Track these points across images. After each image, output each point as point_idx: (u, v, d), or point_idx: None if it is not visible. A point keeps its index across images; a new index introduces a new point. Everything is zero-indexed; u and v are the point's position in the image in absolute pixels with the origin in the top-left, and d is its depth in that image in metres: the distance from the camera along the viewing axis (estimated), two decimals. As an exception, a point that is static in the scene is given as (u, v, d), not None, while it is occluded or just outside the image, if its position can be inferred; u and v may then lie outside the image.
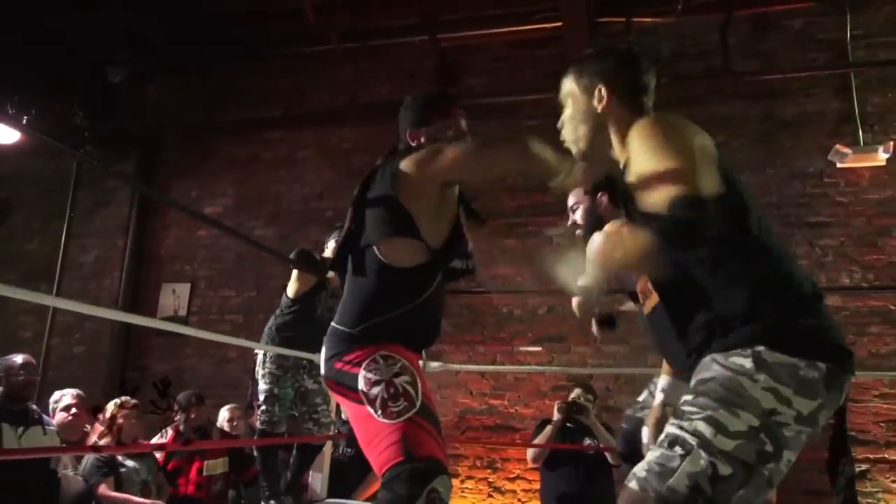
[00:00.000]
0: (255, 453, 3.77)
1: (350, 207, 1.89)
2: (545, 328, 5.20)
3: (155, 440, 4.14)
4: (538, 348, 5.17)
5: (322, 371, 1.80)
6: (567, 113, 1.55)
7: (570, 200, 2.47)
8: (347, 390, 1.70)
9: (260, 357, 3.76)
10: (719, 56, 5.21)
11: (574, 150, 1.54)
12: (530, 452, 4.19)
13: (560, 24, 5.20)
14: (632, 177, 1.27)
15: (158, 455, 3.99)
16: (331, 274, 3.69)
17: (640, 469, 1.13)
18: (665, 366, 1.56)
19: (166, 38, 6.21)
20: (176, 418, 4.12)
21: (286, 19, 5.98)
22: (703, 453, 1.08)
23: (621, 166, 1.46)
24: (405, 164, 1.79)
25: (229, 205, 6.35)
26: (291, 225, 6.09)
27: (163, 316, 6.08)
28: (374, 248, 1.77)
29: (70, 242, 6.62)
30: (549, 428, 4.06)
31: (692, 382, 1.20)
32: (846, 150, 4.71)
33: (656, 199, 1.16)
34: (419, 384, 1.67)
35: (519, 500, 4.94)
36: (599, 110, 1.47)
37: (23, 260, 6.67)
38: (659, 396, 1.51)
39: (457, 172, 1.80)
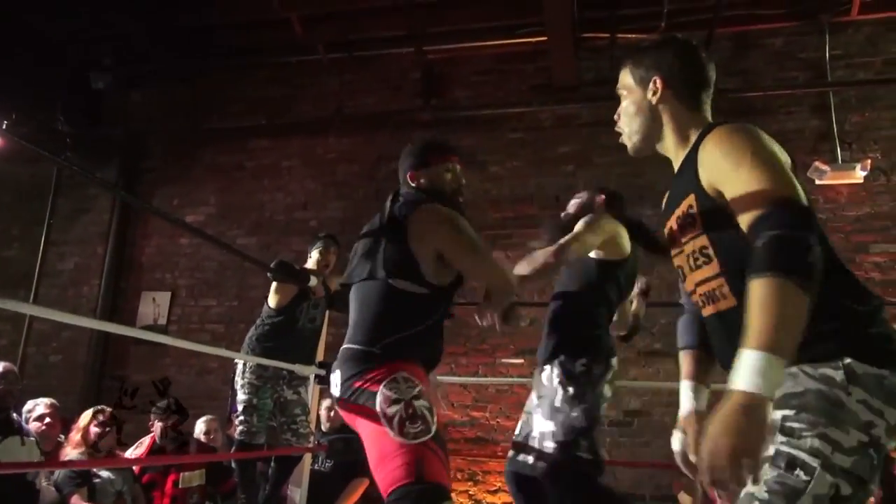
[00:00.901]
0: (234, 465, 3.72)
1: (361, 239, 1.98)
2: (527, 340, 5.20)
3: (131, 450, 4.08)
4: (520, 360, 5.17)
5: (336, 392, 1.82)
6: (622, 105, 1.51)
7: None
8: (363, 407, 1.72)
9: (239, 367, 3.73)
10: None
11: (629, 143, 1.50)
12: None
13: (545, 38, 5.26)
14: (722, 186, 1.22)
15: (134, 466, 3.93)
16: (313, 282, 3.68)
17: (758, 490, 1.06)
18: (687, 370, 1.52)
19: (151, 45, 6.19)
20: (152, 429, 4.06)
21: (273, 29, 5.99)
22: (826, 474, 1.04)
23: (676, 166, 1.44)
24: (413, 218, 1.86)
25: (212, 213, 6.32)
26: (274, 234, 6.07)
27: (142, 325, 6.02)
28: (383, 276, 1.84)
29: (49, 249, 6.54)
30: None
31: (779, 394, 1.12)
32: (825, 167, 4.78)
33: (760, 209, 1.12)
34: (435, 411, 1.73)
35: (499, 513, 4.92)
36: (654, 102, 1.44)
37: (0, 266, 6.58)
38: (690, 404, 1.46)
39: (447, 253, 1.86)
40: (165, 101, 6.68)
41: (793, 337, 1.03)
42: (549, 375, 2.38)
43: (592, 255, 2.47)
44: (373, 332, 1.80)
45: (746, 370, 1.01)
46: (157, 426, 4.04)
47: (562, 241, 2.27)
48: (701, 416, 1.45)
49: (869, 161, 4.83)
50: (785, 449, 1.08)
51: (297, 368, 3.69)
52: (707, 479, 1.02)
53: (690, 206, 1.32)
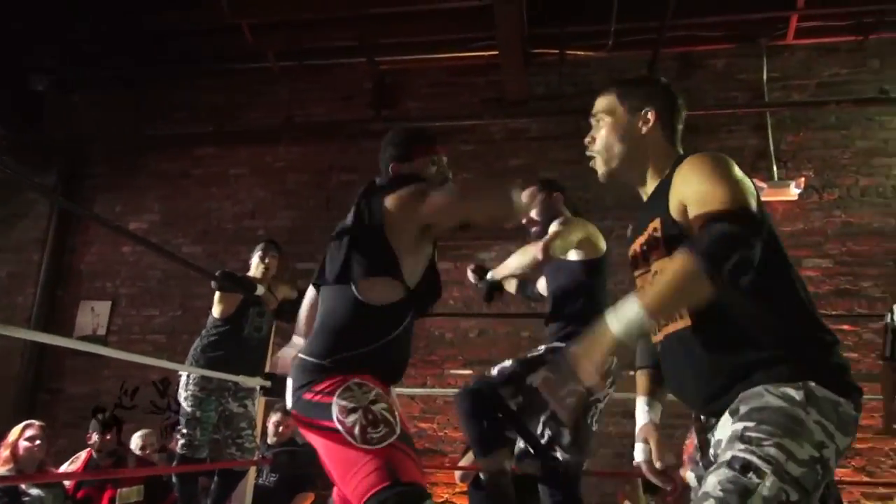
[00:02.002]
0: (174, 480, 3.61)
1: (330, 242, 1.88)
2: (476, 351, 5.23)
3: (66, 466, 3.92)
4: (469, 371, 5.18)
5: (288, 403, 1.75)
6: (602, 130, 1.52)
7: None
8: (318, 420, 1.65)
9: (183, 379, 3.65)
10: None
11: (603, 168, 1.53)
12: (458, 473, 4.20)
13: (496, 52, 5.33)
14: (687, 202, 1.30)
15: (68, 483, 3.77)
16: (260, 291, 3.63)
17: (713, 489, 1.13)
18: (642, 388, 1.59)
19: (96, 48, 6.03)
20: (89, 442, 3.92)
21: (222, 35, 5.90)
22: (777, 480, 1.10)
23: (646, 193, 1.50)
24: (390, 203, 1.77)
25: (156, 221, 6.16)
26: (221, 243, 5.96)
27: (80, 335, 5.81)
28: (352, 285, 1.75)
29: (-19, 256, 6.27)
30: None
31: (743, 409, 1.21)
32: (762, 184, 4.96)
33: (710, 213, 1.20)
34: (395, 411, 1.67)
35: (447, 524, 4.91)
36: (643, 132, 1.48)
37: (-73, 274, 6.27)
38: (646, 417, 1.53)
39: (439, 217, 1.79)
40: (109, 105, 6.51)
41: (673, 309, 1.22)
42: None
43: (574, 256, 2.53)
44: (328, 345, 1.73)
45: (620, 314, 1.20)
46: (95, 439, 3.90)
47: (546, 238, 2.41)
48: (657, 427, 1.53)
49: (803, 179, 5.05)
50: (741, 454, 1.14)
51: (241, 380, 3.62)
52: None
53: (655, 230, 1.38)
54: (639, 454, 1.52)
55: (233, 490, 3.72)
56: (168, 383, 3.87)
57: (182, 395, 3.61)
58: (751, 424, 1.17)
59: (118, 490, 3.77)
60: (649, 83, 1.56)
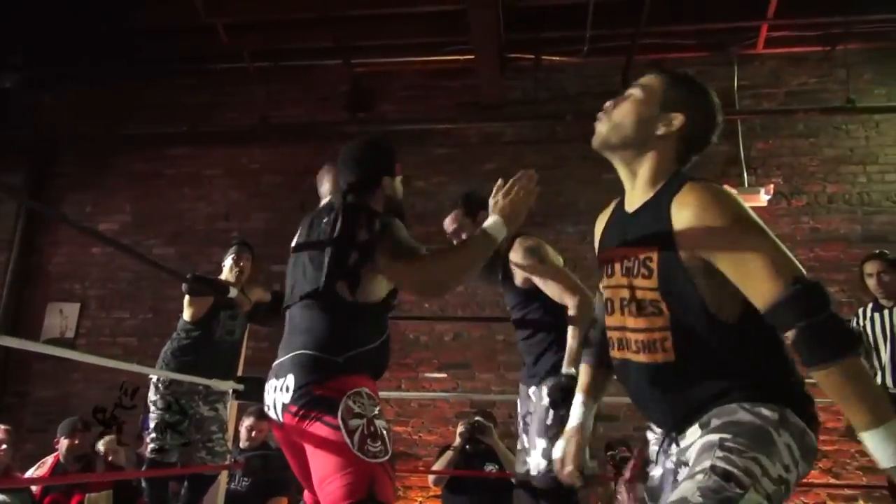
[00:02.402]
0: (143, 485, 3.55)
1: (306, 250, 1.91)
2: (450, 355, 5.25)
3: (32, 471, 3.85)
4: (443, 375, 5.20)
5: (288, 399, 1.71)
6: (626, 102, 1.41)
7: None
8: (322, 415, 1.64)
9: (153, 382, 3.60)
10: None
11: (602, 130, 1.42)
12: (431, 477, 4.21)
13: (472, 57, 5.35)
14: (717, 255, 1.24)
15: (35, 488, 3.71)
16: (233, 293, 3.60)
17: (691, 495, 1.11)
18: (583, 383, 1.59)
19: (66, 45, 5.93)
20: (57, 447, 3.85)
21: (197, 35, 5.84)
22: (756, 495, 1.10)
23: (629, 204, 1.42)
24: (383, 248, 1.78)
25: (127, 222, 6.08)
26: (194, 245, 5.89)
27: (48, 338, 5.71)
28: (345, 284, 1.78)
29: (-55, 257, 6.13)
30: (449, 452, 4.11)
31: (716, 423, 1.22)
32: (733, 190, 5.02)
33: (782, 290, 1.17)
34: (391, 434, 1.71)
35: (419, 527, 4.91)
36: (659, 133, 1.38)
37: None
38: (578, 419, 1.53)
39: (401, 281, 1.83)
40: (79, 104, 6.40)
41: (879, 398, 1.14)
42: (538, 394, 2.46)
43: (531, 284, 2.54)
44: (334, 343, 1.73)
45: (881, 451, 1.11)
46: (63, 444, 3.83)
47: (553, 265, 2.49)
48: (583, 431, 1.55)
49: (772, 186, 5.15)
50: (722, 464, 1.14)
51: (214, 383, 3.59)
52: None
53: (648, 259, 1.31)
54: (556, 451, 1.56)
55: (203, 495, 3.67)
56: (136, 389, 3.79)
57: (151, 398, 3.56)
58: (727, 436, 1.17)
59: (87, 495, 3.71)
60: (699, 93, 1.42)
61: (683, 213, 1.26)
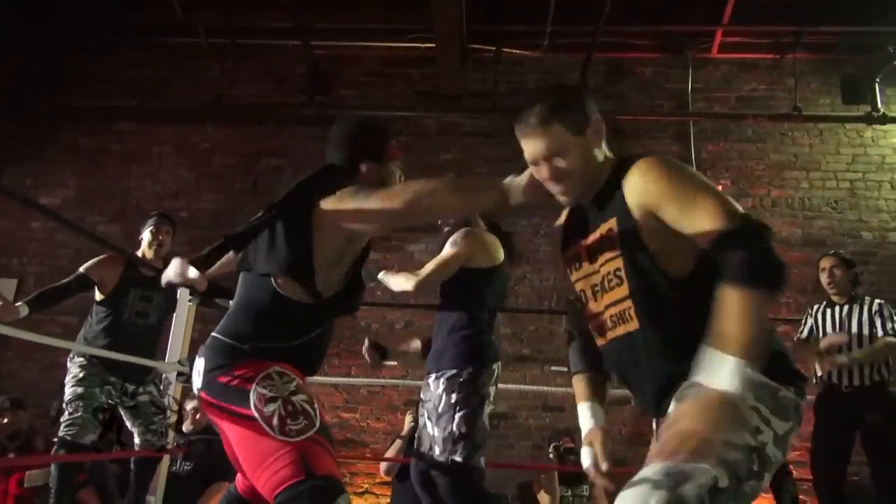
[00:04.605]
0: (52, 469, 3.21)
1: (260, 217, 1.73)
2: (401, 343, 5.23)
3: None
4: (393, 362, 5.18)
5: (198, 382, 1.66)
6: (560, 166, 1.38)
7: None
8: (234, 406, 1.58)
9: (69, 360, 3.41)
10: (578, 94, 5.56)
11: (570, 198, 1.43)
12: (383, 465, 4.23)
13: (433, 45, 5.33)
14: (665, 209, 1.28)
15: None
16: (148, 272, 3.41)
17: (648, 472, 1.11)
18: (584, 393, 1.58)
19: (11, 12, 5.66)
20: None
21: (150, 7, 5.67)
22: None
23: (587, 195, 1.44)
24: (325, 203, 1.65)
25: (69, 197, 5.87)
26: (140, 224, 5.71)
27: (-19, 314, 5.47)
28: (271, 278, 1.68)
29: None
30: (398, 441, 4.14)
31: (682, 394, 1.23)
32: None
33: (724, 225, 1.21)
34: (315, 403, 1.62)
35: (365, 515, 4.91)
36: (593, 145, 1.41)
37: None
38: (591, 421, 1.53)
39: (376, 219, 1.66)
40: (21, 73, 6.12)
41: (763, 342, 1.16)
42: (436, 383, 2.46)
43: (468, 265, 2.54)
44: (249, 331, 1.66)
45: (725, 373, 1.12)
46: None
47: (448, 254, 2.44)
48: (604, 430, 1.53)
49: (720, 187, 5.26)
50: None
51: (160, 366, 3.50)
52: (662, 454, 1.10)
53: (611, 230, 1.37)
54: (585, 458, 1.52)
55: (152, 474, 3.52)
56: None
57: (66, 379, 3.35)
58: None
59: (26, 473, 3.58)
60: (570, 96, 1.44)
61: (631, 181, 1.34)
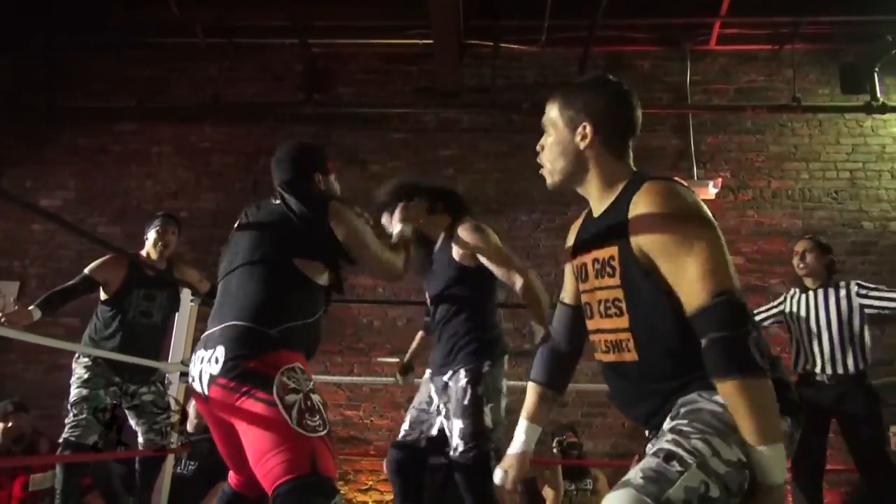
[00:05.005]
0: (57, 470, 3.26)
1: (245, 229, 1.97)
2: (403, 340, 5.22)
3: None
4: (395, 359, 5.17)
5: (216, 370, 1.66)
6: (548, 140, 1.47)
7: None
8: (253, 389, 1.61)
9: (74, 361, 3.43)
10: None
11: (549, 179, 1.48)
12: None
13: (431, 41, 5.32)
14: (660, 259, 1.27)
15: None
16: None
17: (634, 476, 1.12)
18: (528, 408, 1.60)
19: (7, 13, 5.65)
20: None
21: (147, 7, 5.65)
22: (700, 472, 1.11)
23: (597, 207, 1.44)
24: (335, 210, 1.92)
25: (70, 198, 5.87)
26: (141, 224, 5.66)
27: (-17, 317, 5.48)
28: (294, 260, 1.83)
29: None
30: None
31: (679, 411, 1.25)
32: (682, 183, 5.16)
33: (704, 300, 1.20)
34: (326, 408, 1.72)
35: (369, 511, 4.92)
36: (582, 148, 1.41)
37: None
38: (519, 446, 1.55)
39: (352, 244, 1.94)
40: (20, 74, 6.12)
41: (774, 416, 1.18)
42: (456, 378, 2.44)
43: (469, 261, 2.53)
44: (269, 314, 1.71)
45: (763, 467, 1.15)
46: (-1, 427, 3.71)
47: (496, 243, 2.50)
48: (526, 457, 1.59)
49: (720, 179, 5.30)
50: (668, 446, 1.15)
51: (162, 366, 3.50)
52: None
53: (611, 258, 1.35)
54: (497, 478, 1.59)
55: (157, 474, 3.53)
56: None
57: (72, 379, 3.38)
58: (683, 422, 1.20)
59: (31, 476, 3.59)
60: (591, 90, 1.43)
61: (636, 210, 1.30)
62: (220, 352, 1.67)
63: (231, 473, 1.92)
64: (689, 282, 1.22)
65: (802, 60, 5.64)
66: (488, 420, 2.36)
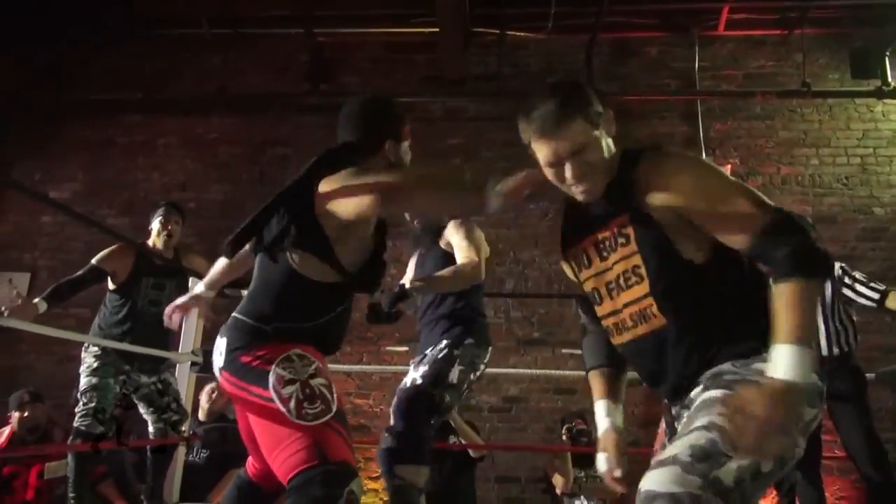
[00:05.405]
0: (68, 459, 3.30)
1: (272, 199, 1.71)
2: (412, 328, 5.22)
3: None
4: (404, 348, 5.21)
5: (219, 362, 1.68)
6: (583, 160, 1.32)
7: None
8: (253, 387, 1.60)
9: (83, 351, 3.46)
10: (583, 76, 5.52)
11: (591, 194, 1.37)
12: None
13: (436, 30, 5.29)
14: (696, 208, 1.28)
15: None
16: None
17: (682, 453, 1.10)
18: (600, 390, 1.56)
19: (13, 7, 5.66)
20: (11, 420, 3.77)
21: (152, -2, 5.65)
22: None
23: (590, 197, 1.40)
24: (325, 185, 1.65)
25: (78, 190, 5.89)
26: (149, 216, 5.74)
27: (-5, 309, 5.52)
28: (288, 255, 1.68)
29: None
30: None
31: (715, 380, 1.24)
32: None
33: (763, 220, 1.22)
34: (333, 388, 1.63)
35: (381, 499, 4.95)
36: (610, 141, 1.38)
37: None
38: (607, 423, 1.52)
39: (381, 207, 1.62)
40: (26, 67, 6.13)
41: (814, 330, 1.17)
42: (436, 346, 2.47)
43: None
44: (269, 312, 1.68)
45: (785, 362, 1.13)
46: (14, 417, 3.75)
47: (476, 239, 2.45)
48: (619, 434, 1.50)
49: (729, 166, 5.26)
50: (717, 420, 1.13)
51: (174, 356, 3.52)
52: (731, 447, 1.09)
53: (622, 227, 1.35)
54: (601, 464, 1.50)
55: (169, 463, 3.57)
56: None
57: (81, 369, 3.41)
58: (730, 392, 1.18)
59: (45, 464, 3.64)
60: (580, 88, 1.39)
61: (651, 175, 1.32)
62: (223, 344, 1.69)
63: (249, 460, 1.90)
64: (740, 214, 1.24)
65: (812, 45, 5.58)
66: (453, 376, 2.37)
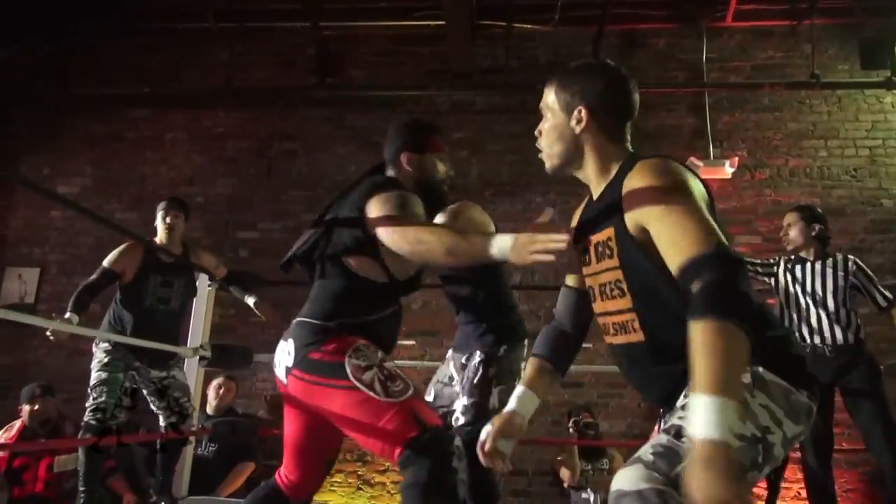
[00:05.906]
0: (79, 453, 3.33)
1: (326, 210, 1.93)
2: (419, 323, 5.26)
3: (-2, 437, 3.79)
4: (411, 342, 5.22)
5: (290, 362, 1.74)
6: (545, 125, 1.48)
7: None
8: (331, 380, 1.65)
9: (94, 346, 3.50)
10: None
11: (547, 163, 1.49)
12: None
13: (443, 22, 5.28)
14: (650, 226, 1.26)
15: (1, 453, 3.66)
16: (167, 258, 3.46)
17: (645, 453, 1.12)
18: (526, 377, 1.58)
19: (19, 2, 5.68)
20: (21, 413, 3.80)
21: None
22: None
23: (595, 191, 1.45)
24: (371, 206, 1.77)
25: (87, 185, 5.92)
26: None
27: (6, 303, 5.57)
28: (343, 258, 1.81)
29: None
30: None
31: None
32: (699, 162, 5.12)
33: (693, 254, 1.17)
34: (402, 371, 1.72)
35: (388, 492, 4.98)
36: (577, 132, 1.42)
37: None
38: (512, 405, 1.53)
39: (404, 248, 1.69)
40: (33, 62, 6.15)
41: (738, 375, 1.08)
42: (472, 358, 2.44)
43: None
44: (330, 310, 1.77)
45: (702, 417, 1.02)
46: (25, 410, 3.78)
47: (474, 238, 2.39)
48: (515, 419, 1.51)
49: (737, 158, 5.23)
50: (679, 422, 1.15)
51: (182, 351, 3.55)
52: None
53: (609, 239, 1.35)
54: (482, 433, 1.53)
55: (178, 458, 3.59)
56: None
57: (92, 364, 3.45)
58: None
59: (55, 458, 3.67)
60: (587, 74, 1.45)
61: (630, 188, 1.31)
62: (291, 345, 1.76)
63: (282, 469, 1.89)
64: (685, 237, 1.19)
65: (821, 36, 5.54)
66: (494, 400, 2.36)
